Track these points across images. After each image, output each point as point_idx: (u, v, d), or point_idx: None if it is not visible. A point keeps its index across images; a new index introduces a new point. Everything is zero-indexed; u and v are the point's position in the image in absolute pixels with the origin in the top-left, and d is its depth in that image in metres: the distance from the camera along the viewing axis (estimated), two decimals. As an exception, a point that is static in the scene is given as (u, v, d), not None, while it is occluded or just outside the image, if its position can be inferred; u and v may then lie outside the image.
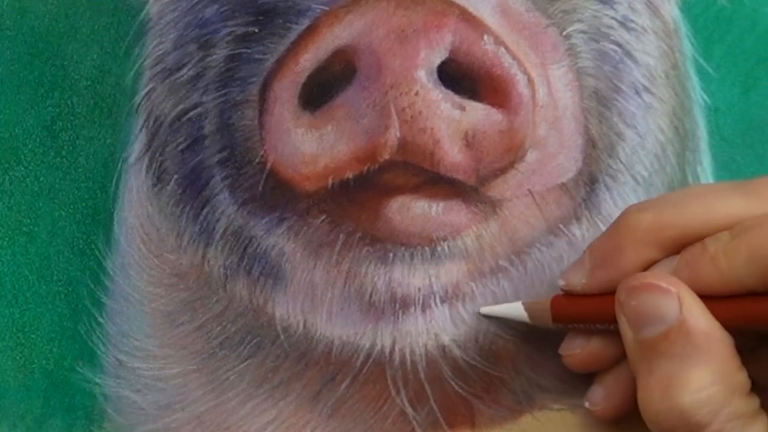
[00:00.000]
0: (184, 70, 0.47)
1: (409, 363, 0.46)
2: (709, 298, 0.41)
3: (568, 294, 0.45)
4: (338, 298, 0.47)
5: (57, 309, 0.49)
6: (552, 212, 0.47)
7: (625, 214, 0.43)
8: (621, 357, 0.44)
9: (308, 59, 0.44)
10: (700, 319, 0.41)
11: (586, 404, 0.46)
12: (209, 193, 0.47)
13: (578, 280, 0.44)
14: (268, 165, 0.46)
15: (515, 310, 0.46)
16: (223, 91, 0.47)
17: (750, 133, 0.49)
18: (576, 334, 0.45)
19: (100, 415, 0.49)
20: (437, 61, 0.44)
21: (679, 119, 0.49)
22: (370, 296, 0.46)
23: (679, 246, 0.42)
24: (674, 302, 0.41)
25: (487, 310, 0.46)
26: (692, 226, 0.42)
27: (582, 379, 0.47)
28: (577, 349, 0.45)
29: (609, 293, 0.43)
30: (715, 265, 0.41)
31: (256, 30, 0.46)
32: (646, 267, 0.43)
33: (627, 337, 0.42)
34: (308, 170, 0.45)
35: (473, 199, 0.46)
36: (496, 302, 0.46)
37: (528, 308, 0.46)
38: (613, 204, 0.47)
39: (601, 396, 0.45)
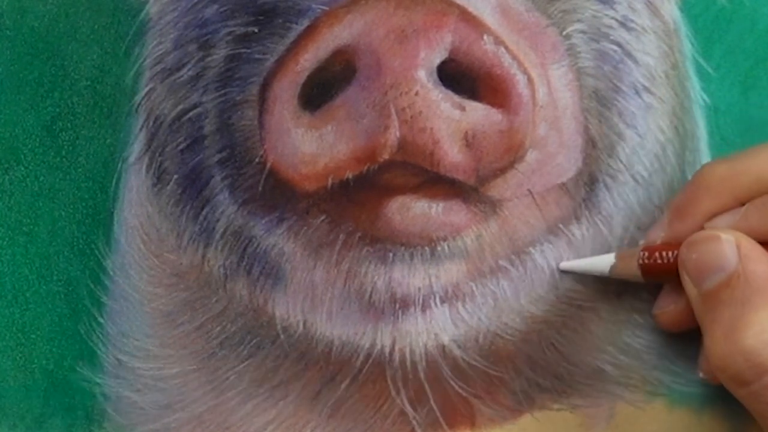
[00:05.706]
0: (184, 70, 0.47)
1: (408, 363, 0.46)
2: None
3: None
4: (338, 298, 0.47)
5: (57, 309, 0.49)
6: (552, 212, 0.47)
7: (700, 168, 0.45)
8: None
9: (308, 59, 0.44)
10: (758, 263, 0.41)
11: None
12: (209, 193, 0.47)
13: (658, 236, 0.45)
14: (268, 165, 0.46)
15: (599, 264, 0.46)
16: (222, 91, 0.47)
17: (750, 133, 0.48)
18: (668, 292, 0.46)
19: (100, 415, 0.49)
20: (437, 61, 0.44)
21: (679, 119, 0.49)
22: (370, 296, 0.46)
23: (753, 194, 0.43)
24: (732, 250, 0.42)
25: (567, 265, 0.47)
26: (766, 173, 0.43)
27: (580, 380, 0.47)
28: (670, 306, 0.46)
29: None
30: None
31: (256, 30, 0.46)
32: None
33: (692, 294, 0.43)
34: (308, 170, 0.45)
35: (473, 199, 0.46)
36: (496, 302, 0.46)
37: (615, 261, 0.46)
38: (612, 204, 0.47)
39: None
